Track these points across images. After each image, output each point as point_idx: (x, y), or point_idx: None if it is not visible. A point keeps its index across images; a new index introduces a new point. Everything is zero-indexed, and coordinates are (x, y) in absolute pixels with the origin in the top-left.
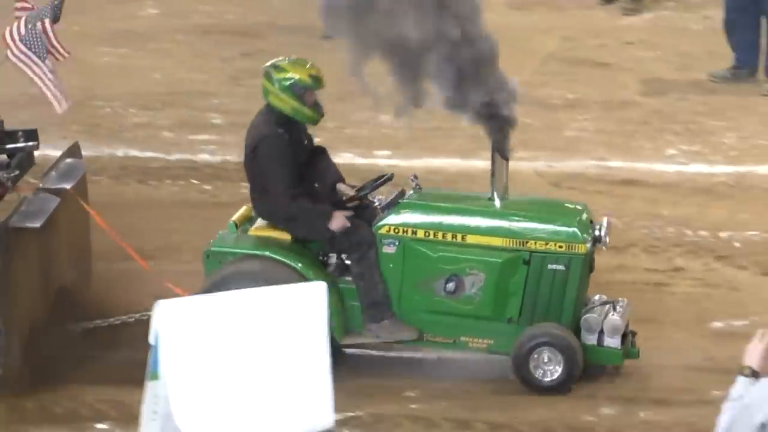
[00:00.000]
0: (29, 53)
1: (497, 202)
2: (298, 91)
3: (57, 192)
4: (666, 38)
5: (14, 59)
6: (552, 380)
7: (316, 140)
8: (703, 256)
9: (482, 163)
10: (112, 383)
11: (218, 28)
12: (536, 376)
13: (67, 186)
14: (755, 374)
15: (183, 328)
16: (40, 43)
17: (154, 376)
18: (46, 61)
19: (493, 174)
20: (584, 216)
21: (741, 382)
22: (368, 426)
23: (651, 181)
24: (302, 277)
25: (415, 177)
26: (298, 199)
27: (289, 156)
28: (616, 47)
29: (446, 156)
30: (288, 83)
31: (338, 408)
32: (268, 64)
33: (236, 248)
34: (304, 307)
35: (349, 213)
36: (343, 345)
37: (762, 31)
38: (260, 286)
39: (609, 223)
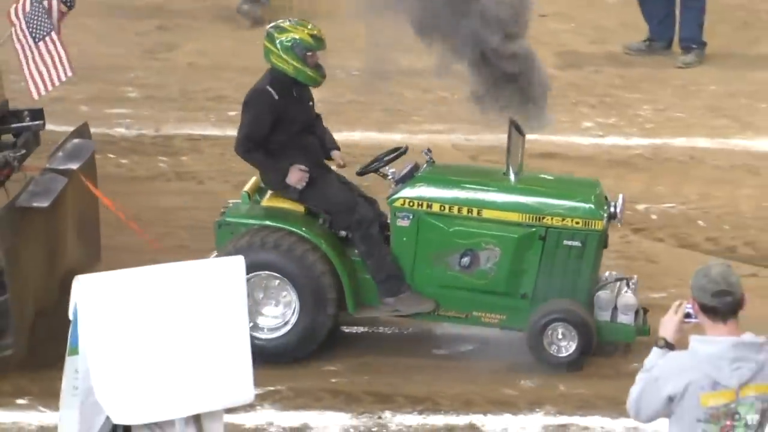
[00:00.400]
0: (26, 32)
1: (512, 177)
2: (299, 51)
3: (64, 172)
4: (581, 11)
5: (14, 37)
6: (566, 356)
7: None
8: (621, 228)
9: (399, 136)
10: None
11: (132, 3)
12: (550, 351)
13: (74, 166)
14: (669, 346)
15: (102, 302)
16: (39, 23)
17: (74, 351)
18: (40, 44)
19: (509, 149)
20: (599, 192)
21: (655, 353)
22: (288, 400)
23: (568, 154)
24: (315, 248)
25: (429, 151)
26: (254, 152)
27: (265, 114)
28: (531, 20)
29: (363, 129)
30: (290, 44)
31: (258, 382)
32: (271, 25)
33: (249, 219)
34: (222, 281)
35: (305, 168)
36: (357, 318)
37: (676, 3)
38: (273, 257)
39: (624, 200)
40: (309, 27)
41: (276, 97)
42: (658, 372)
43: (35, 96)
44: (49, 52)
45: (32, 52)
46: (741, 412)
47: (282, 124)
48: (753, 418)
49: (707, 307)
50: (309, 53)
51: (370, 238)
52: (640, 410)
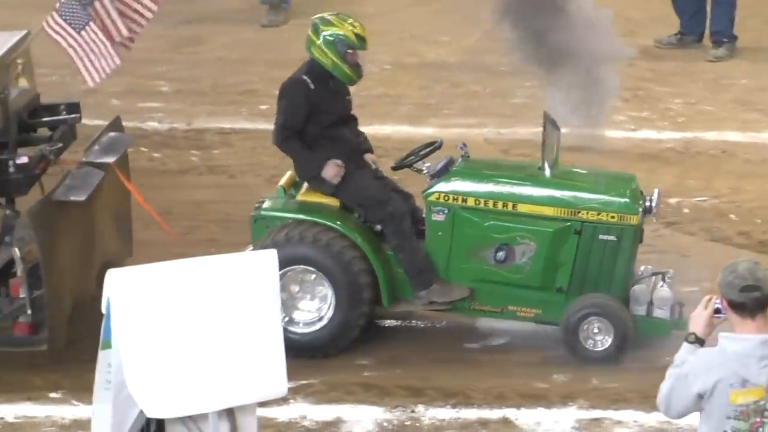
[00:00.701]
0: (63, 24)
1: (548, 171)
2: (341, 48)
3: (101, 166)
4: (612, 3)
5: (48, 30)
6: (601, 351)
7: None
8: (653, 222)
9: (431, 130)
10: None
11: None
12: (586, 346)
13: (111, 160)
14: (699, 341)
15: (135, 296)
16: (76, 14)
17: (107, 345)
18: (82, 32)
19: (544, 143)
20: (635, 186)
21: (685, 348)
22: (321, 394)
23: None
24: (350, 243)
25: (464, 145)
26: (292, 141)
27: (300, 102)
28: None
29: (394, 123)
30: (332, 38)
31: (291, 376)
32: (316, 16)
33: (285, 213)
34: (255, 275)
35: (341, 163)
36: (392, 312)
37: None
38: (310, 251)
39: (659, 195)
40: (354, 24)
41: (311, 87)
42: (687, 368)
43: (90, 84)
44: (93, 41)
45: (75, 40)
46: None
47: (316, 115)
48: None
49: (735, 303)
50: (350, 51)
51: (402, 232)
52: (671, 406)
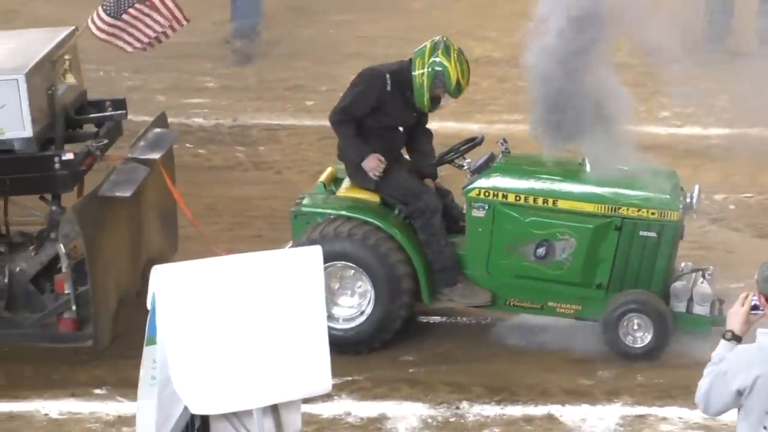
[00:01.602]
0: (105, 17)
1: (588, 167)
2: (437, 82)
3: (146, 162)
4: None
5: (91, 25)
6: (641, 347)
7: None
8: (698, 218)
9: (476, 126)
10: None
11: None
12: (626, 342)
13: (156, 156)
14: (736, 338)
15: (180, 292)
16: (117, 4)
17: (152, 341)
18: (123, 16)
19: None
20: (675, 182)
21: (723, 345)
22: (366, 390)
23: (645, 143)
24: (390, 239)
25: (505, 141)
26: (345, 125)
27: (371, 95)
28: None
29: (440, 119)
30: (438, 69)
31: (336, 372)
32: (444, 37)
33: (324, 209)
34: (300, 271)
35: (383, 159)
36: (433, 309)
37: None
38: (348, 247)
39: (699, 191)
40: (464, 72)
41: (388, 88)
42: (726, 366)
43: (129, 49)
44: (136, 18)
45: (114, 27)
46: None
47: (379, 114)
48: None
49: None
50: (441, 88)
51: (431, 227)
52: (710, 404)
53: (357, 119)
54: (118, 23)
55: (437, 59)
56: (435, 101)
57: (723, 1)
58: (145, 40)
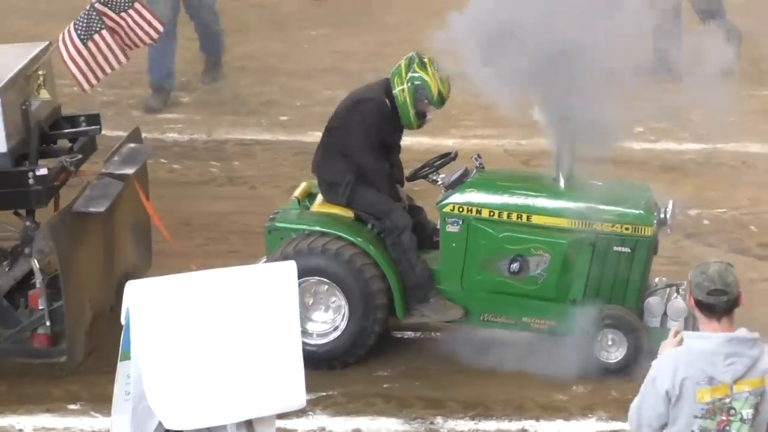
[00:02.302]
0: (73, 35)
1: (562, 183)
2: (419, 96)
3: (120, 177)
4: None
5: (60, 42)
6: (615, 362)
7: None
8: (673, 233)
9: (450, 141)
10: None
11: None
12: (600, 358)
13: (130, 171)
14: None
15: (154, 308)
16: (88, 24)
17: (126, 356)
18: (89, 43)
19: (558, 154)
20: (649, 198)
21: None
22: (341, 406)
23: (620, 158)
24: (364, 255)
25: (479, 156)
26: (378, 161)
27: (375, 125)
28: None
29: (414, 134)
30: (417, 83)
31: (310, 388)
32: (417, 51)
33: (299, 224)
34: (274, 286)
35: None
36: (406, 324)
37: None
38: (322, 262)
39: (674, 206)
40: (443, 81)
41: (387, 109)
42: (654, 372)
43: (85, 87)
44: (98, 48)
45: (78, 52)
46: (736, 407)
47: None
48: (748, 412)
49: (703, 304)
50: (425, 101)
51: (400, 245)
52: (642, 417)
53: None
54: (83, 51)
55: (415, 74)
56: (421, 116)
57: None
58: (100, 74)
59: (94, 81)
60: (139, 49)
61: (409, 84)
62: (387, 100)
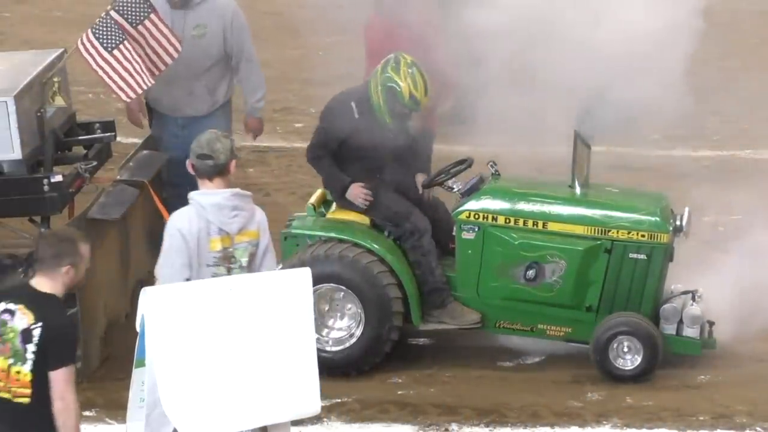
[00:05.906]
0: (96, 42)
1: (578, 190)
2: (391, 98)
3: (135, 184)
4: None
5: (81, 47)
6: (631, 369)
7: None
8: (688, 240)
9: (465, 148)
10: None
11: None
12: (616, 365)
13: (145, 178)
14: None
15: (169, 314)
16: (109, 33)
17: (141, 363)
18: (114, 51)
19: (574, 161)
20: (665, 205)
21: None
22: (355, 412)
23: (635, 165)
24: (380, 261)
25: (494, 163)
26: (322, 160)
27: (339, 129)
28: None
29: None
30: (390, 85)
31: (325, 394)
32: (395, 54)
33: (314, 231)
34: (289, 293)
35: (366, 187)
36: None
37: None
38: (338, 269)
39: (690, 213)
40: (416, 83)
41: (356, 115)
42: (173, 227)
43: (125, 99)
44: (126, 59)
45: (106, 60)
46: (236, 256)
47: (354, 140)
48: (245, 261)
49: (195, 167)
50: (399, 104)
51: (421, 248)
52: (165, 264)
53: (332, 151)
54: (109, 58)
55: (387, 75)
56: (401, 117)
57: None
58: (137, 87)
59: (132, 95)
60: None
61: (381, 87)
62: (353, 104)
